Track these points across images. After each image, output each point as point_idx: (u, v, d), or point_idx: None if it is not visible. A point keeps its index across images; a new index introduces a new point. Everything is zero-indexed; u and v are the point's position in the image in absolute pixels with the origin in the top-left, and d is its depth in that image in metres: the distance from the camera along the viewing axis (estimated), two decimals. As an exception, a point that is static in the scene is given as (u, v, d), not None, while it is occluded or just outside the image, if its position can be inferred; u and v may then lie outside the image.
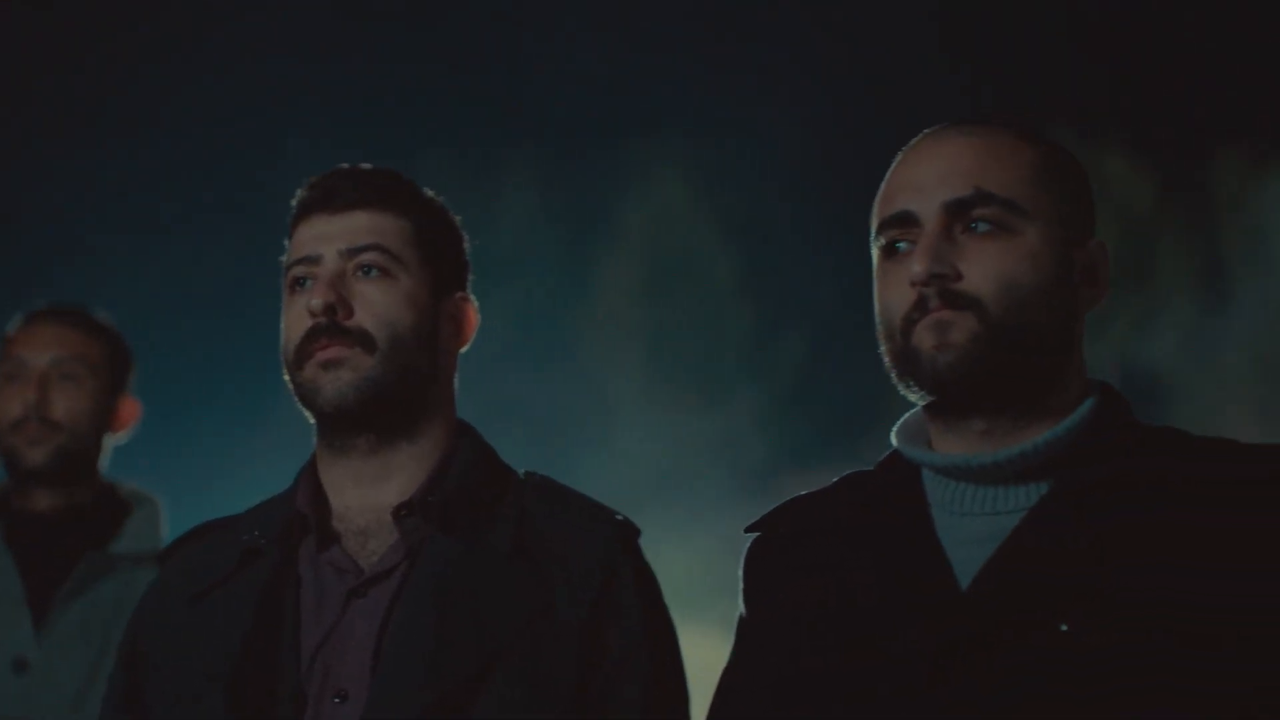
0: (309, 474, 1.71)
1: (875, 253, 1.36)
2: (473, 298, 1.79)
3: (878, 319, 1.34)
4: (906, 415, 1.39)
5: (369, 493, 1.69)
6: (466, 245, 1.80)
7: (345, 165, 1.75)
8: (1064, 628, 1.25)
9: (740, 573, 1.43)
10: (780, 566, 1.40)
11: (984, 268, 1.30)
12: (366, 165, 1.77)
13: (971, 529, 1.32)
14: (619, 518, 1.69)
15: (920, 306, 1.31)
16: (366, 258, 1.69)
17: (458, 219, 1.80)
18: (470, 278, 1.80)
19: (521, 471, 1.73)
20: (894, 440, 1.38)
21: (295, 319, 1.69)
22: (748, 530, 1.44)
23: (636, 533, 1.68)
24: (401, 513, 1.68)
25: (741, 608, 1.43)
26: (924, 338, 1.31)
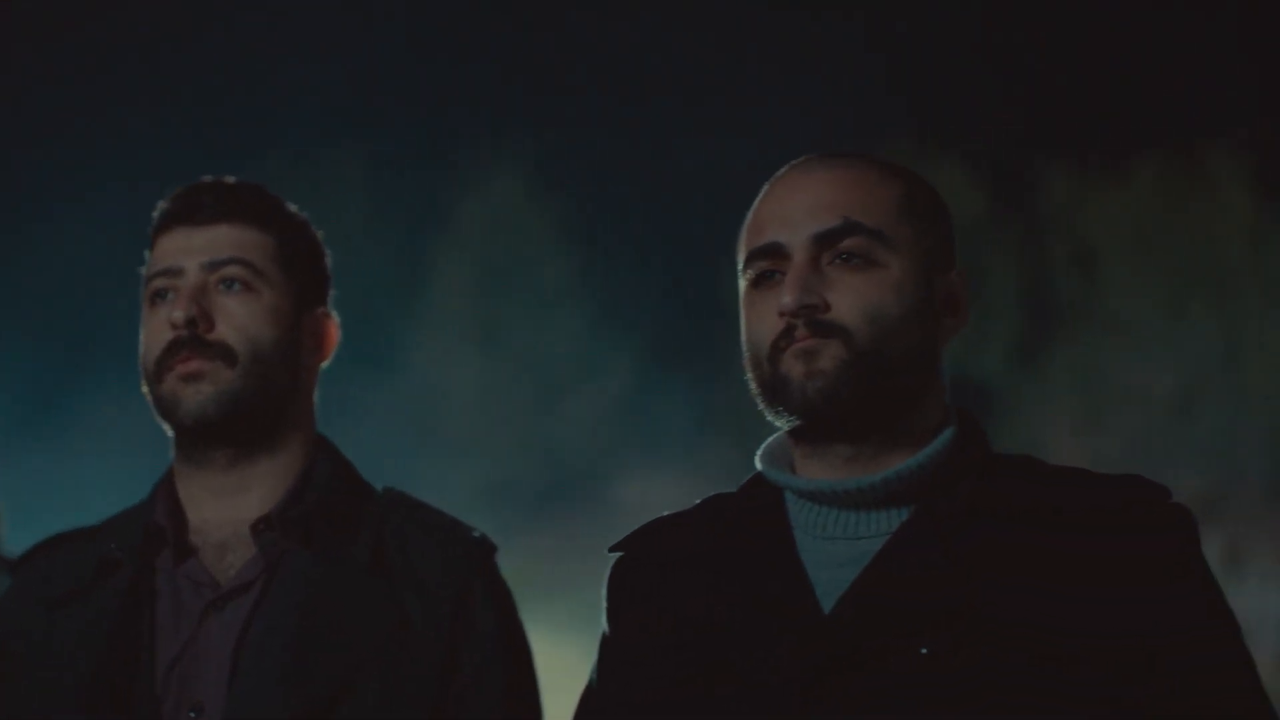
0: (166, 486, 1.70)
1: (743, 282, 1.37)
2: (334, 313, 1.78)
3: (745, 347, 1.35)
4: (770, 439, 1.41)
5: (227, 506, 1.69)
6: (329, 260, 1.79)
7: (209, 178, 1.74)
8: (925, 651, 1.27)
9: (604, 592, 1.43)
10: (643, 587, 1.40)
11: (851, 298, 1.32)
12: (230, 178, 1.76)
13: (834, 553, 1.34)
14: (476, 534, 1.69)
15: (788, 335, 1.33)
16: (229, 271, 1.69)
17: (320, 234, 1.79)
18: (332, 293, 1.79)
19: (380, 487, 1.72)
20: (758, 463, 1.39)
21: (156, 331, 1.68)
22: (611, 550, 1.44)
23: (493, 549, 1.69)
24: (260, 527, 1.67)
25: (605, 626, 1.43)
26: (792, 365, 1.32)
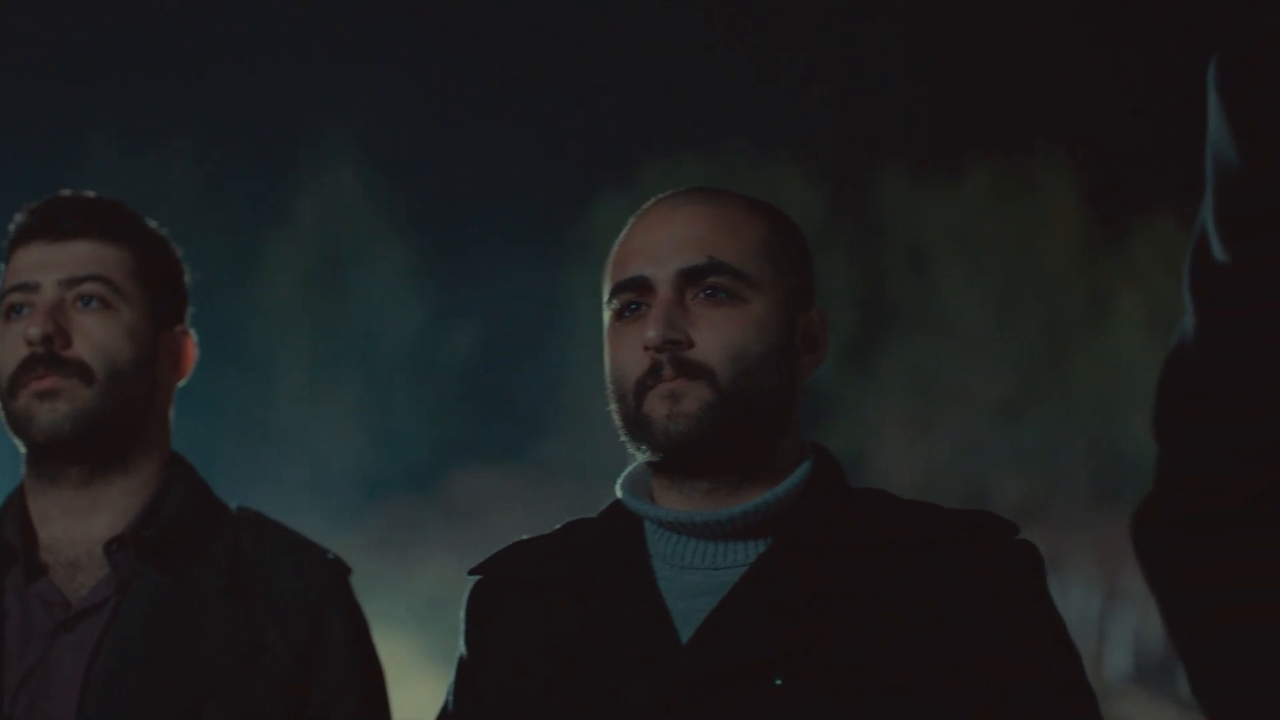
0: (16, 504, 1.68)
1: (607, 314, 1.39)
2: (192, 331, 1.77)
3: (609, 379, 1.38)
4: (630, 467, 1.43)
5: (79, 525, 1.67)
6: (187, 278, 1.78)
7: (67, 192, 1.72)
8: (779, 682, 1.30)
9: (462, 614, 1.44)
10: (503, 612, 1.42)
11: (715, 335, 1.35)
12: (90, 193, 1.73)
13: (692, 583, 1.36)
14: (330, 556, 1.69)
15: (654, 373, 1.35)
16: (87, 288, 1.67)
17: (179, 251, 1.77)
18: (190, 310, 1.78)
19: (234, 506, 1.71)
20: (618, 492, 1.41)
21: (10, 347, 1.66)
22: (471, 573, 1.45)
23: (348, 571, 1.69)
24: (113, 547, 1.66)
25: (462, 649, 1.44)
26: (657, 405, 1.35)
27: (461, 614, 1.45)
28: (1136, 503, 1.29)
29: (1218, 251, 1.26)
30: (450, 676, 1.44)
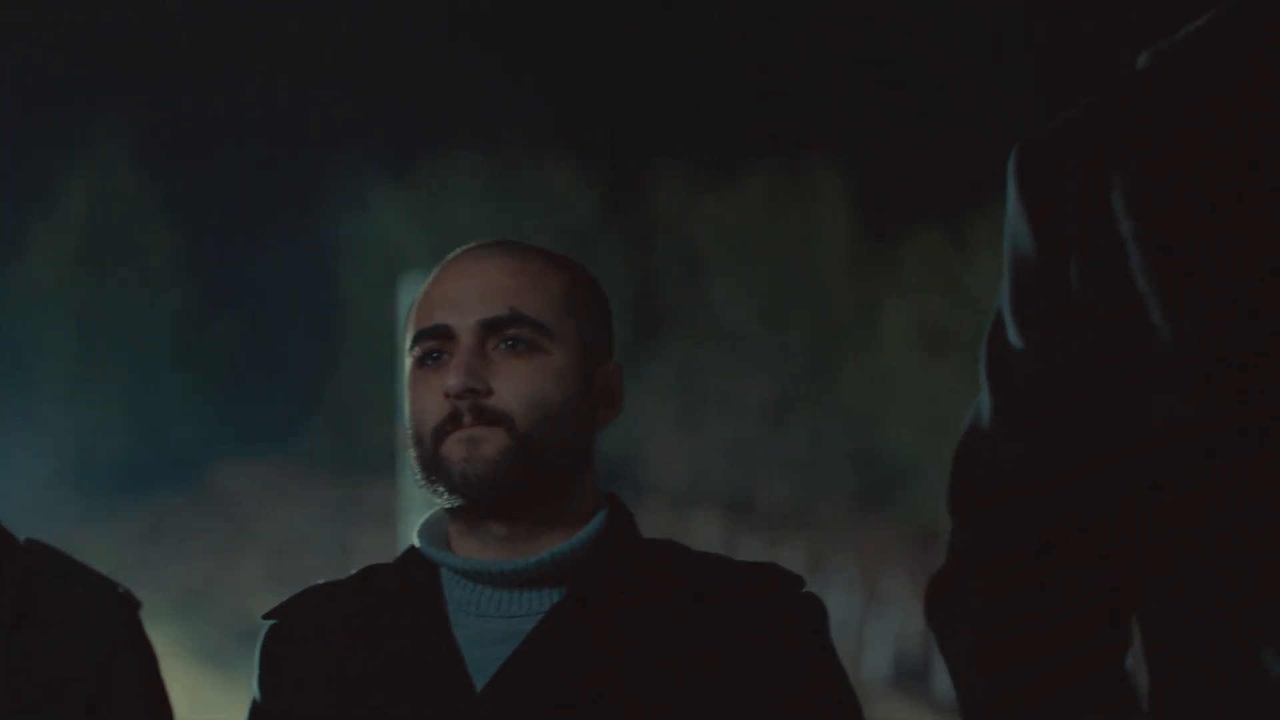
0: None
1: (409, 360, 1.42)
2: None
3: (408, 424, 1.40)
4: (428, 514, 1.44)
5: None
6: None
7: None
8: None
9: (256, 658, 1.44)
10: (298, 658, 1.42)
11: (514, 384, 1.38)
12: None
13: (488, 630, 1.38)
14: (120, 590, 1.66)
15: (454, 419, 1.38)
16: None
17: None
18: None
19: (22, 538, 1.68)
20: (415, 539, 1.43)
21: None
22: (265, 617, 1.45)
23: (138, 605, 1.67)
24: None
25: (256, 693, 1.44)
26: (455, 449, 1.38)
27: (255, 658, 1.45)
28: (930, 576, 1.33)
29: (1013, 337, 1.29)
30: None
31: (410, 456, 1.41)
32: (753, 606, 1.37)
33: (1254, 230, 1.18)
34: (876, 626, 20.12)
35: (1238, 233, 1.18)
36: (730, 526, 23.79)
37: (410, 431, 1.40)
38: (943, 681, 19.00)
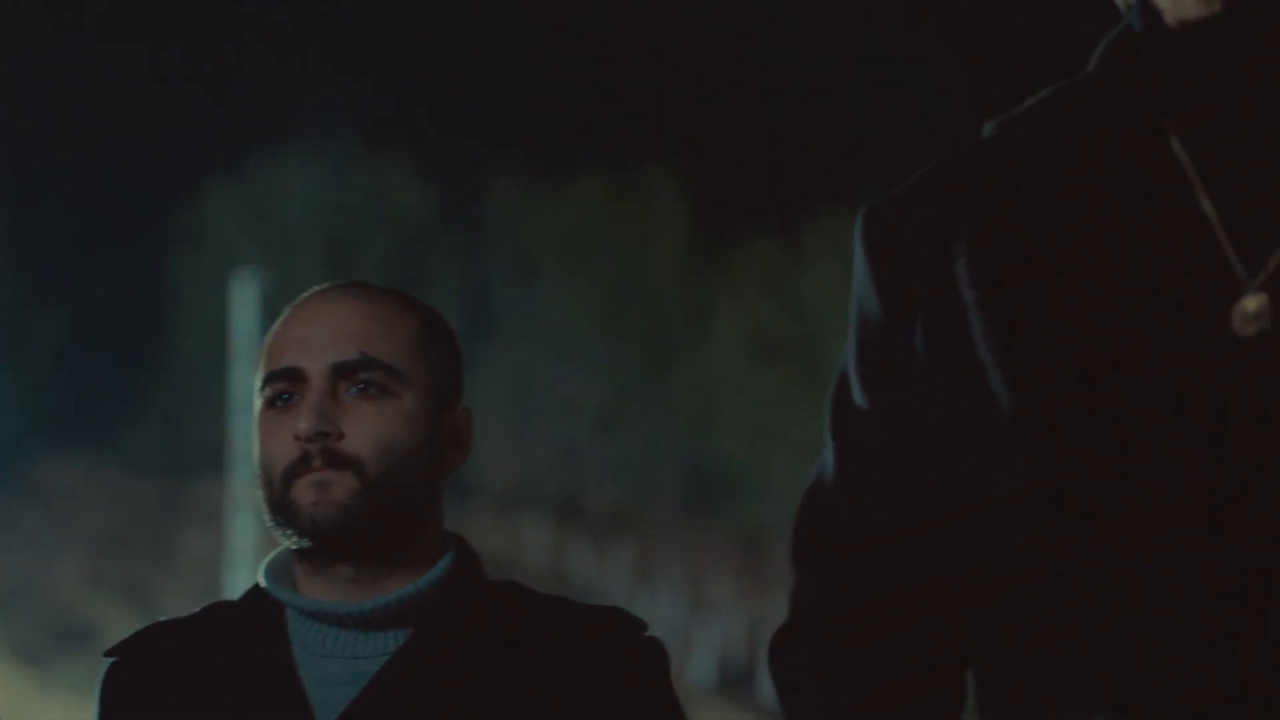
0: None
1: (258, 401, 1.41)
2: None
3: (257, 464, 1.40)
4: (273, 554, 1.44)
5: None
6: None
7: None
8: None
9: (97, 695, 1.43)
10: (140, 695, 1.41)
11: (365, 428, 1.38)
12: None
13: (333, 671, 1.38)
14: None
15: (304, 462, 1.38)
16: None
17: None
18: None
19: None
20: (260, 579, 1.43)
21: None
22: (106, 654, 1.44)
23: None
24: None
25: None
26: (304, 493, 1.38)
27: (96, 694, 1.43)
28: (774, 631, 1.35)
29: (858, 397, 1.30)
30: None
31: (259, 498, 1.40)
32: (596, 649, 1.38)
33: (1088, 303, 1.20)
34: (702, 631, 20.18)
35: (1073, 305, 1.20)
36: (559, 530, 23.76)
37: (259, 473, 1.40)
38: (767, 686, 18.95)
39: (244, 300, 16.62)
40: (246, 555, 15.85)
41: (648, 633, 1.41)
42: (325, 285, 1.46)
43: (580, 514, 23.47)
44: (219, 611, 1.45)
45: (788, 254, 24.75)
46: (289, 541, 1.40)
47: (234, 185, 23.07)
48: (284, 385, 1.41)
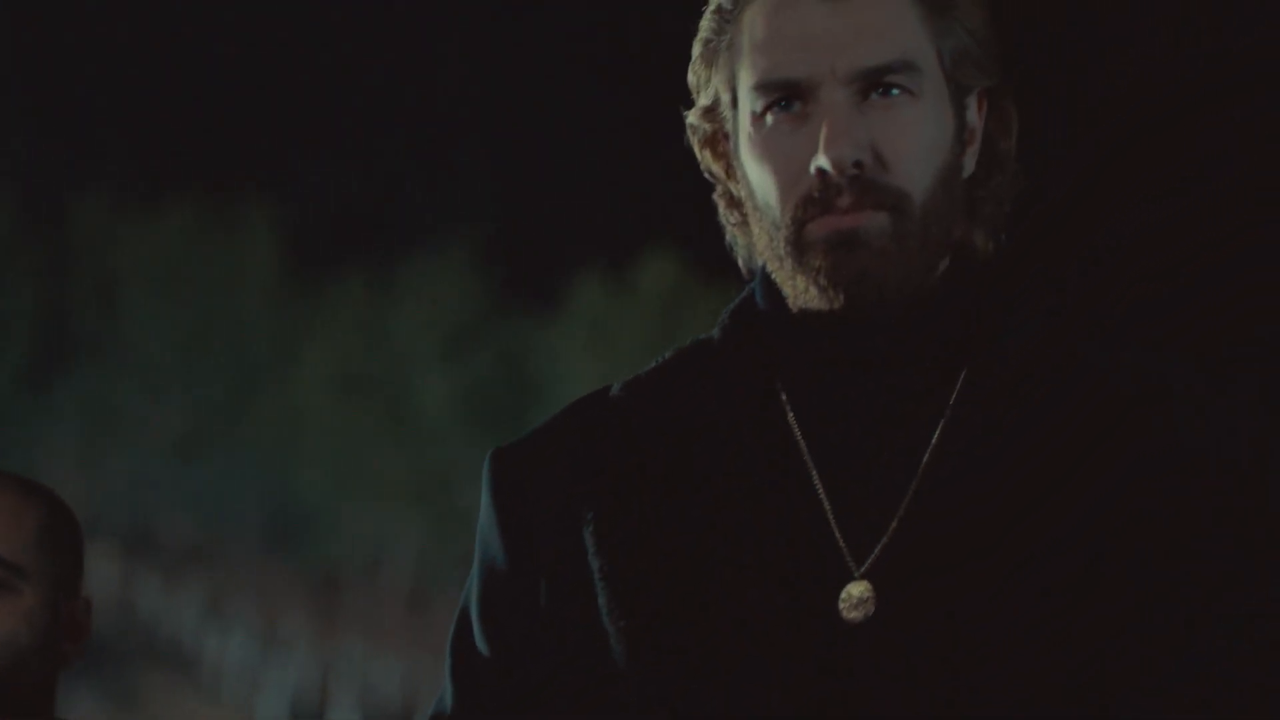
0: None
1: None
2: None
3: None
4: None
5: None
6: None
7: None
8: None
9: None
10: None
11: None
12: None
13: None
14: None
15: None
16: None
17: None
18: None
19: None
20: None
21: None
22: None
23: None
24: None
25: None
26: None
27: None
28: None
29: (479, 639, 1.30)
30: None
31: None
32: None
33: (705, 581, 1.21)
34: (274, 671, 19.88)
35: (692, 583, 1.21)
36: (127, 562, 23.14)
37: None
38: (337, 728, 18.84)
39: None
40: None
41: None
42: None
43: (151, 546, 22.91)
44: None
45: (379, 290, 24.60)
46: None
47: None
48: None
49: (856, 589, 1.21)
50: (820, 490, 1.23)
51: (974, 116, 1.26)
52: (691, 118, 1.27)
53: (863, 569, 1.21)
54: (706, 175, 1.28)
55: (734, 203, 1.27)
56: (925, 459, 1.22)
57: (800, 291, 1.22)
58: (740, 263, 1.31)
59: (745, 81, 1.22)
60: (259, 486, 22.43)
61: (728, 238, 1.30)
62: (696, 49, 1.26)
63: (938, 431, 1.23)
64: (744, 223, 1.27)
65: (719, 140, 1.26)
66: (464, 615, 1.32)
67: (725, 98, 1.24)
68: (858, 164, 1.18)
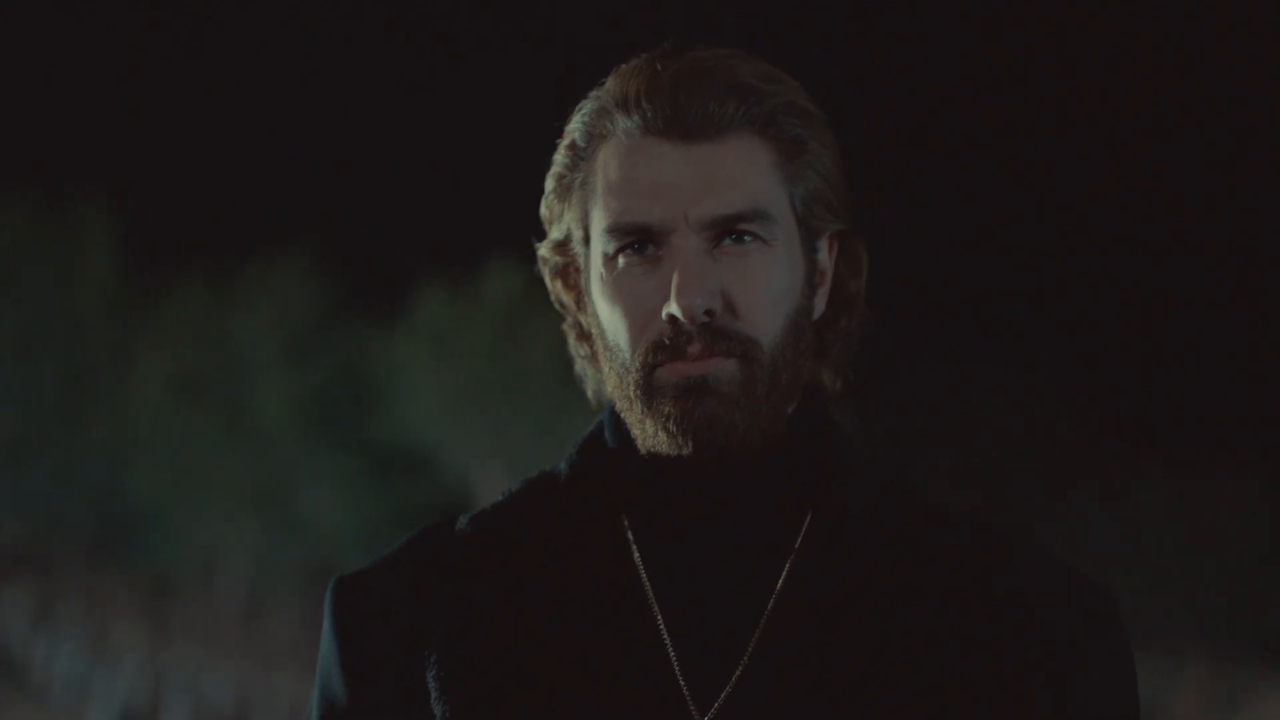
0: None
1: None
2: None
3: None
4: None
5: None
6: None
7: None
8: None
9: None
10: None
11: None
12: None
13: None
14: None
15: None
16: None
17: None
18: None
19: None
20: None
21: None
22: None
23: None
24: None
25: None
26: None
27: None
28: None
29: None
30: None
31: None
32: None
33: None
34: (105, 679, 19.57)
35: None
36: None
37: None
38: (168, 737, 18.61)
39: None
40: None
41: None
42: None
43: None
44: None
45: (217, 295, 24.32)
46: None
47: None
48: None
49: None
50: (665, 635, 1.21)
51: (825, 259, 1.26)
52: (543, 250, 1.26)
53: (706, 717, 1.19)
54: (557, 306, 1.27)
55: (584, 335, 1.26)
56: (770, 604, 1.22)
57: (649, 435, 1.21)
58: (589, 394, 1.30)
59: (598, 222, 1.21)
60: (91, 491, 22.08)
61: (577, 368, 1.29)
62: (550, 183, 1.24)
63: (782, 576, 1.23)
64: (593, 356, 1.26)
65: (570, 273, 1.25)
66: None
67: (578, 234, 1.23)
68: (709, 312, 1.18)
